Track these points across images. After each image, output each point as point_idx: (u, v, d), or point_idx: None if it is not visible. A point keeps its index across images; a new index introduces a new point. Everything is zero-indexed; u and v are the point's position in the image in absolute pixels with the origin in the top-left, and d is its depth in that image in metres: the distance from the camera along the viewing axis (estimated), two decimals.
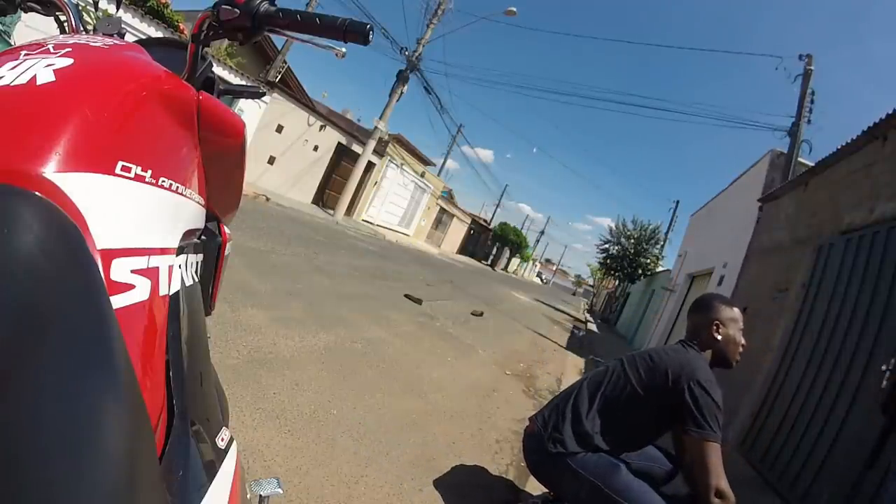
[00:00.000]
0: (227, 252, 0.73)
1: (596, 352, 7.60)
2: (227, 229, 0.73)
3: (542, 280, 62.22)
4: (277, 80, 10.84)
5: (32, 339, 0.27)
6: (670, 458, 1.69)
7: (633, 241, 19.12)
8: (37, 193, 0.33)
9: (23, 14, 0.77)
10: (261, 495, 0.69)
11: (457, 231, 26.08)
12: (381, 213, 16.49)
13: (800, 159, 6.42)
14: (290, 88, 12.31)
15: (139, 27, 7.14)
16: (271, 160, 11.19)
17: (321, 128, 12.28)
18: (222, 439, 0.54)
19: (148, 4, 7.37)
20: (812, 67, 7.68)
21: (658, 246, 19.24)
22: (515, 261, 39.50)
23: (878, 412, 2.09)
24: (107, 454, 0.28)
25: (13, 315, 0.26)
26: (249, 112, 9.80)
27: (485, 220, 33.12)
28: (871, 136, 3.33)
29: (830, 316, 2.96)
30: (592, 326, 14.14)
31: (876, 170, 3.19)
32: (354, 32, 0.57)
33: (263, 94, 0.89)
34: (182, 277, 0.52)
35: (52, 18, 0.71)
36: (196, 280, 0.59)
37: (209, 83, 0.66)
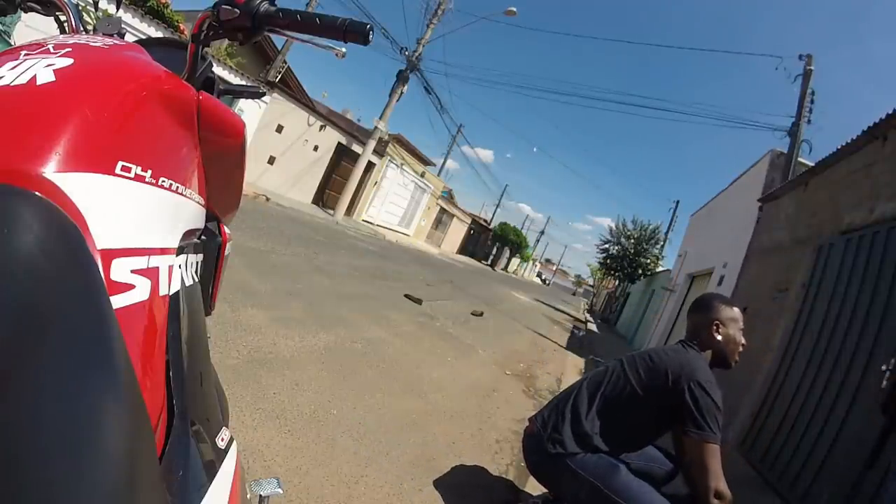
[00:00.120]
0: (227, 252, 0.73)
1: (596, 352, 7.60)
2: (227, 229, 0.73)
3: (542, 280, 62.00)
4: (277, 80, 10.84)
5: (32, 339, 0.27)
6: (670, 458, 1.69)
7: (633, 241, 19.12)
8: (37, 193, 0.33)
9: (23, 14, 0.77)
10: (261, 495, 0.69)
11: (457, 231, 26.08)
12: (381, 213, 16.49)
13: (800, 159, 6.42)
14: (290, 88, 12.31)
15: (139, 27, 7.14)
16: (271, 160, 11.19)
17: (321, 128, 12.29)
18: (222, 439, 0.54)
19: (148, 4, 7.37)
20: (812, 67, 7.68)
21: (658, 246, 19.24)
22: (515, 261, 39.50)
23: (878, 412, 2.09)
24: (107, 454, 0.28)
25: (13, 315, 0.26)
26: (249, 112, 9.80)
27: (485, 220, 33.12)
28: (871, 136, 3.33)
29: (830, 316, 2.96)
30: (592, 326, 14.14)
31: (876, 170, 3.19)
32: (354, 32, 0.57)
33: (263, 94, 0.89)
34: (182, 277, 0.52)
35: (52, 18, 0.71)
36: (196, 280, 0.59)
37: (209, 83, 0.66)
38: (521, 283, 27.60)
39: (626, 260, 18.80)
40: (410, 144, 17.55)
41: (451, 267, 15.03)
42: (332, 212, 12.51)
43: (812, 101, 7.53)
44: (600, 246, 20.68)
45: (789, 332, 3.44)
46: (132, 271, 0.40)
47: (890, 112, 3.10)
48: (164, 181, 0.46)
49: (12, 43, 2.26)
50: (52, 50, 0.43)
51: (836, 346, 2.72)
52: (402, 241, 15.82)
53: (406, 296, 5.48)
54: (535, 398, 3.61)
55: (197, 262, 0.60)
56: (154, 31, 7.32)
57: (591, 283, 46.16)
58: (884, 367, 2.21)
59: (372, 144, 12.43)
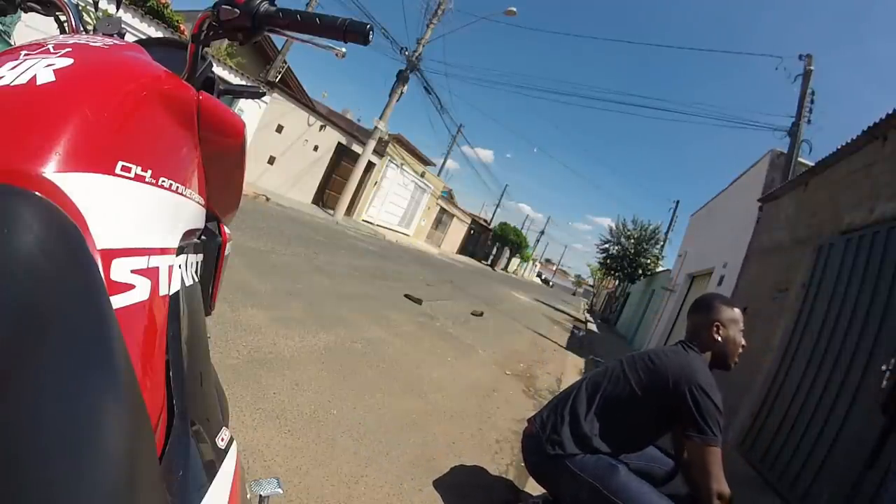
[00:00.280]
0: (227, 252, 0.73)
1: (596, 352, 7.60)
2: (227, 229, 0.73)
3: (542, 280, 61.65)
4: (277, 80, 10.84)
5: (32, 339, 0.27)
6: (670, 458, 1.69)
7: (633, 241, 19.12)
8: (37, 193, 0.33)
9: (23, 14, 0.77)
10: (261, 495, 0.69)
11: (457, 231, 26.08)
12: (381, 213, 16.49)
13: (800, 159, 6.42)
14: (290, 88, 12.31)
15: (139, 27, 7.14)
16: (271, 160, 11.19)
17: (321, 128, 12.29)
18: (222, 439, 0.54)
19: (148, 4, 7.37)
20: (812, 67, 7.68)
21: (658, 246, 19.24)
22: (515, 261, 39.50)
23: (878, 412, 2.09)
24: (107, 454, 0.28)
25: (13, 315, 0.26)
26: (249, 112, 9.80)
27: (485, 220, 33.12)
28: (871, 136, 3.33)
29: (830, 316, 2.95)
30: (592, 326, 14.14)
31: (876, 170, 3.19)
32: (354, 32, 0.57)
33: (263, 94, 0.89)
34: (182, 277, 0.52)
35: (52, 18, 0.71)
36: (196, 280, 0.59)
37: (209, 83, 0.66)
38: (521, 283, 27.60)
39: (626, 260, 18.80)
40: (410, 144, 17.55)
41: (451, 267, 15.03)
42: (332, 212, 12.51)
43: (812, 101, 7.53)
44: (600, 246, 20.69)
45: (789, 332, 3.44)
46: (132, 271, 0.40)
47: (890, 112, 3.10)
48: (164, 181, 0.46)
49: (12, 43, 2.26)
50: (52, 50, 0.43)
51: (836, 346, 2.72)
52: (402, 241, 15.82)
53: (406, 296, 5.48)
54: (535, 398, 3.61)
55: (197, 262, 0.60)
56: (154, 31, 7.32)
57: (591, 283, 46.15)
58: (884, 367, 2.21)
59: (372, 144, 12.43)
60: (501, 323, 7.07)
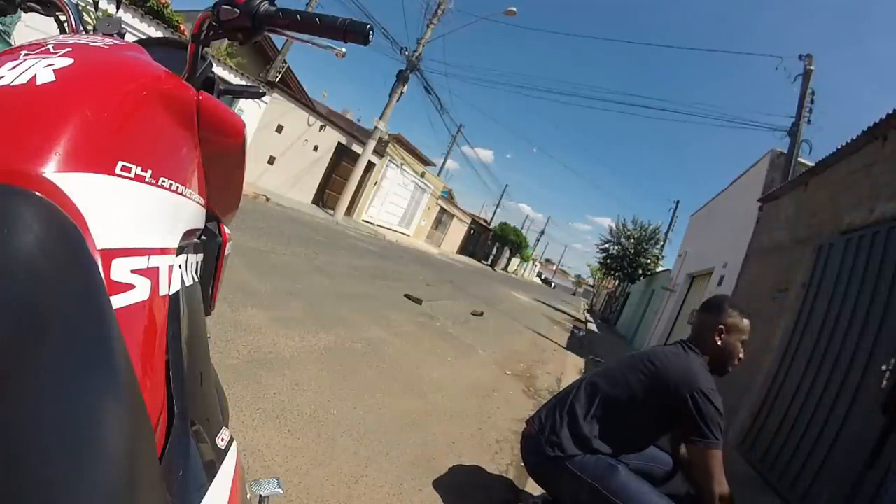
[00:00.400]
0: (227, 252, 0.73)
1: (596, 352, 7.60)
2: (227, 229, 0.73)
3: (543, 280, 61.33)
4: (277, 80, 10.84)
5: (32, 339, 0.27)
6: (668, 455, 1.69)
7: (633, 241, 19.12)
8: (37, 193, 0.33)
9: (23, 14, 0.77)
10: (261, 495, 0.69)
11: (457, 231, 26.07)
12: (381, 213, 16.49)
13: (800, 159, 6.42)
14: (290, 88, 12.31)
15: (139, 27, 7.14)
16: (271, 160, 11.19)
17: (321, 128, 12.29)
18: (222, 439, 0.54)
19: (148, 4, 7.37)
20: (812, 67, 7.68)
21: (658, 246, 19.24)
22: (515, 261, 39.50)
23: (878, 412, 2.09)
24: (107, 454, 0.28)
25: (13, 315, 0.26)
26: (249, 112, 9.80)
27: (485, 220, 33.12)
28: (871, 136, 3.33)
29: (830, 316, 2.95)
30: (592, 326, 14.14)
31: (876, 170, 3.19)
32: (354, 32, 0.57)
33: (263, 94, 0.89)
34: (182, 277, 0.52)
35: (52, 18, 0.71)
36: (196, 280, 0.59)
37: (209, 83, 0.66)
38: (521, 284, 27.60)
39: (626, 260, 18.80)
40: (410, 144, 17.55)
41: (451, 267, 15.03)
42: (332, 212, 12.51)
43: (812, 101, 7.53)
44: (600, 246, 20.70)
45: (789, 332, 3.44)
46: (132, 271, 0.40)
47: (890, 112, 3.10)
48: (164, 181, 0.46)
49: (12, 43, 2.26)
50: (52, 50, 0.43)
51: (836, 346, 2.72)
52: (402, 241, 15.82)
53: (406, 296, 5.48)
54: (535, 398, 3.61)
55: (197, 262, 0.60)
56: (154, 31, 7.32)
57: (591, 283, 46.15)
58: (884, 367, 2.21)
59: (372, 144, 12.43)
60: (501, 323, 7.07)
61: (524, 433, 1.68)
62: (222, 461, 0.51)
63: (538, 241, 52.38)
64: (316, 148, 12.41)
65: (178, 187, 0.49)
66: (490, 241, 32.53)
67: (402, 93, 12.61)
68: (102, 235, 0.37)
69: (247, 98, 0.86)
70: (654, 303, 11.90)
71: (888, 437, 2.01)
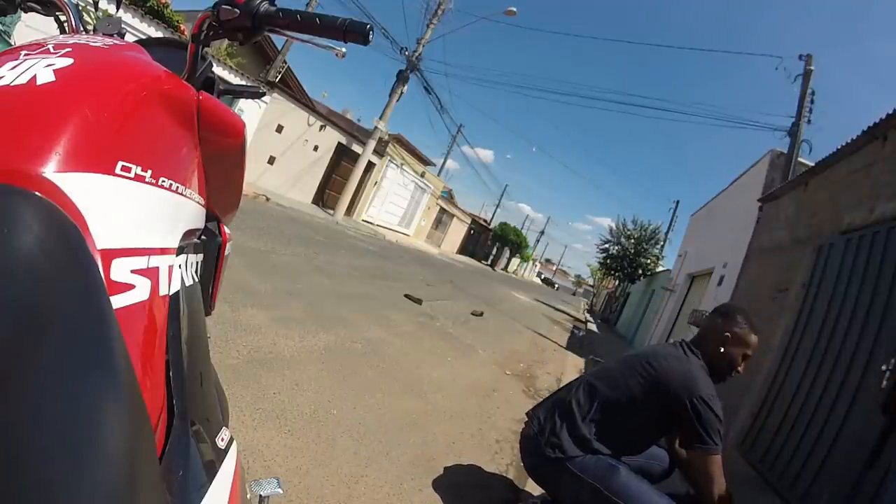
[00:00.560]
0: (227, 252, 0.73)
1: (596, 352, 7.60)
2: (227, 229, 0.73)
3: (544, 281, 60.97)
4: (277, 80, 10.84)
5: (32, 339, 0.27)
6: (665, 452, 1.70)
7: (633, 241, 19.12)
8: (37, 193, 0.33)
9: (23, 14, 0.77)
10: (261, 495, 0.69)
11: (457, 231, 26.07)
12: (381, 213, 16.49)
13: (800, 159, 6.42)
14: (290, 88, 12.31)
15: (139, 27, 7.14)
16: (271, 160, 11.19)
17: (321, 128, 12.28)
18: (222, 439, 0.54)
19: (148, 4, 7.37)
20: (812, 67, 7.68)
21: (658, 246, 19.24)
22: (515, 261, 39.50)
23: (878, 412, 2.08)
24: (107, 454, 0.28)
25: (13, 315, 0.26)
26: (249, 112, 9.80)
27: (485, 220, 33.12)
28: (871, 136, 3.33)
29: (830, 316, 2.95)
30: (592, 326, 14.14)
31: (876, 170, 3.19)
32: (354, 32, 0.57)
33: (263, 94, 0.89)
34: (182, 277, 0.52)
35: (52, 18, 0.71)
36: (196, 280, 0.59)
37: (209, 83, 0.66)
38: (521, 284, 27.60)
39: (626, 260, 18.80)
40: (410, 144, 17.55)
41: (451, 267, 15.03)
42: (332, 212, 12.51)
43: (812, 101, 7.53)
44: (600, 246, 20.70)
45: (789, 332, 3.44)
46: (132, 271, 0.40)
47: (890, 112, 3.10)
48: (164, 181, 0.46)
49: (12, 43, 2.26)
50: (52, 50, 0.43)
51: (836, 346, 2.72)
52: (402, 241, 15.82)
53: (406, 296, 5.48)
54: (535, 398, 3.61)
55: (197, 262, 0.60)
56: (154, 31, 7.32)
57: (591, 283, 46.15)
58: (884, 367, 2.20)
59: (372, 144, 12.43)
60: (501, 323, 7.07)
61: (523, 433, 1.68)
62: (222, 461, 0.51)
63: (538, 241, 52.42)
64: (316, 148, 12.41)
65: (178, 187, 0.49)
66: (490, 241, 32.53)
67: (402, 93, 12.61)
68: (102, 235, 0.37)
69: (247, 98, 0.86)
70: (654, 303, 11.90)
71: (888, 437, 2.01)
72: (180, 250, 0.51)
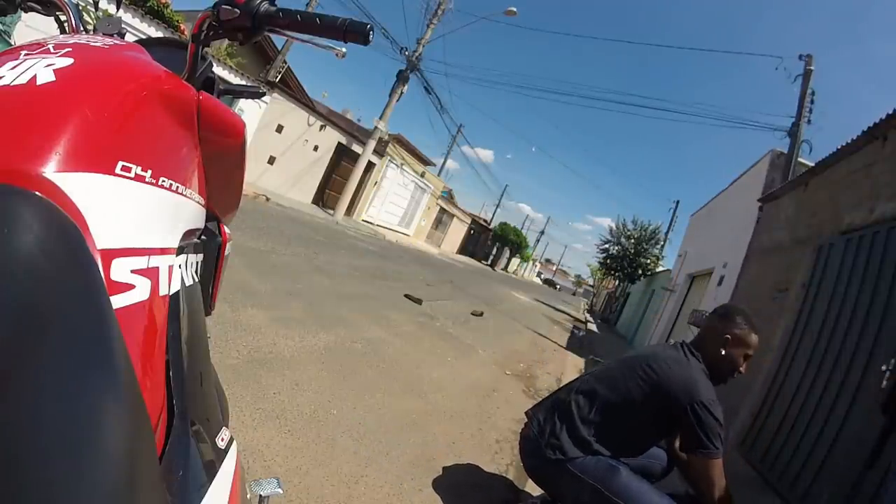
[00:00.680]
0: (227, 252, 0.73)
1: (596, 352, 7.60)
2: (227, 229, 0.73)
3: (545, 281, 60.67)
4: (277, 80, 10.84)
5: (32, 339, 0.27)
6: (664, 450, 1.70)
7: (633, 241, 19.12)
8: (37, 193, 0.33)
9: (23, 14, 0.77)
10: (261, 495, 0.69)
11: (457, 231, 26.07)
12: (381, 213, 16.49)
13: (800, 159, 6.42)
14: (290, 88, 12.31)
15: (139, 27, 7.14)
16: (271, 160, 11.19)
17: (321, 128, 12.28)
18: (222, 439, 0.54)
19: (148, 4, 7.37)
20: (812, 67, 7.68)
21: (658, 246, 19.24)
22: (515, 261, 39.50)
23: (878, 412, 2.08)
24: (107, 454, 0.28)
25: (13, 315, 0.26)
26: (249, 112, 9.80)
27: (485, 220, 33.12)
28: (871, 136, 3.33)
29: (830, 316, 2.95)
30: (592, 326, 14.14)
31: (876, 170, 3.19)
32: (354, 32, 0.57)
33: (263, 94, 0.89)
34: (182, 277, 0.52)
35: (52, 18, 0.71)
36: (196, 280, 0.59)
37: (209, 83, 0.66)
38: (521, 284, 27.60)
39: (626, 260, 18.80)
40: (410, 144, 17.55)
41: (451, 267, 15.03)
42: (332, 212, 12.51)
43: (812, 101, 7.53)
44: (600, 246, 20.70)
45: (789, 332, 3.44)
46: (132, 271, 0.40)
47: (890, 112, 3.10)
48: (164, 181, 0.46)
49: (12, 43, 2.26)
50: (52, 50, 0.43)
51: (836, 346, 2.72)
52: (402, 241, 15.82)
53: (406, 296, 5.48)
54: (535, 398, 3.61)
55: (197, 262, 0.60)
56: (154, 31, 7.31)
57: (591, 284, 46.15)
58: (884, 367, 2.20)
59: (372, 144, 12.43)
60: (501, 323, 7.07)
61: (522, 434, 1.67)
62: (222, 461, 0.51)
63: (538, 241, 52.41)
64: (316, 148, 12.41)
65: (178, 187, 0.49)
66: (490, 241, 32.53)
67: (402, 93, 12.61)
68: (102, 235, 0.37)
69: (247, 98, 0.86)
70: (654, 303, 11.90)
71: (888, 437, 2.01)
72: (180, 250, 0.51)
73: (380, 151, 14.30)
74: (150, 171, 0.43)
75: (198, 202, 0.57)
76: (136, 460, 0.31)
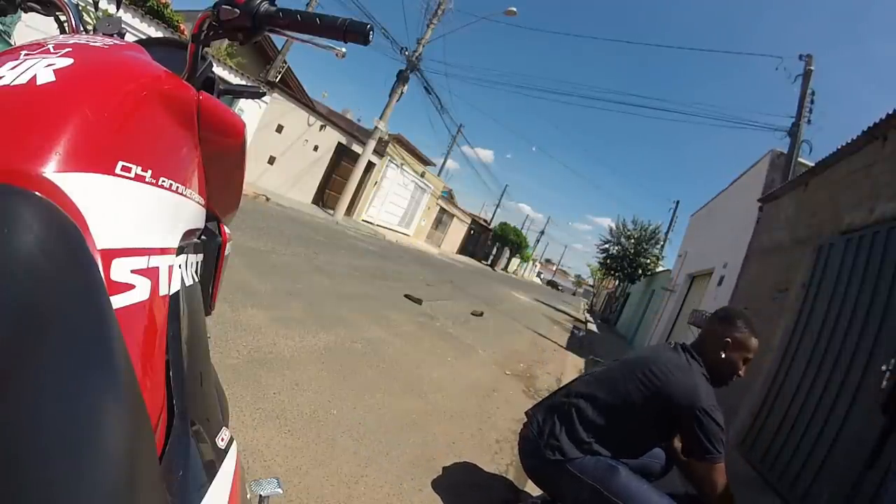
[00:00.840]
0: (227, 252, 0.73)
1: (596, 352, 7.60)
2: (227, 229, 0.73)
3: (547, 282, 60.27)
4: (277, 80, 10.84)
5: (32, 339, 0.27)
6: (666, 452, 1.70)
7: (633, 241, 19.12)
8: (37, 193, 0.33)
9: (23, 14, 0.77)
10: (261, 495, 0.69)
11: (457, 231, 26.07)
12: (381, 213, 16.49)
13: (800, 159, 6.42)
14: (290, 88, 12.31)
15: (139, 27, 7.14)
16: (271, 160, 11.19)
17: (321, 128, 12.29)
18: (222, 439, 0.54)
19: (148, 4, 7.37)
20: (812, 67, 7.68)
21: (658, 246, 19.24)
22: (515, 261, 39.50)
23: (878, 412, 2.08)
24: (107, 454, 0.28)
25: (13, 315, 0.26)
26: (249, 112, 9.80)
27: (485, 220, 33.12)
28: (871, 136, 3.33)
29: (830, 316, 2.95)
30: (592, 326, 14.14)
31: (876, 170, 3.19)
32: (354, 32, 0.57)
33: (263, 94, 0.89)
34: (182, 277, 0.52)
35: (52, 18, 0.71)
36: (196, 280, 0.59)
37: (209, 83, 0.66)
38: (521, 284, 27.61)
39: (626, 260, 18.80)
40: (410, 144, 17.54)
41: (451, 267, 15.03)
42: (332, 212, 12.51)
43: (812, 102, 7.53)
44: (600, 246, 20.70)
45: (789, 332, 3.44)
46: (132, 271, 0.40)
47: (890, 112, 3.10)
48: (164, 181, 0.46)
49: (12, 43, 2.26)
50: (52, 50, 0.43)
51: (836, 346, 2.72)
52: (402, 241, 15.82)
53: (406, 296, 5.48)
54: (535, 398, 3.60)
55: (197, 262, 0.60)
56: (154, 31, 7.32)
57: (591, 284, 46.15)
58: (884, 367, 2.20)
59: (372, 144, 12.43)
60: (501, 323, 7.07)
61: (522, 434, 1.67)
62: (222, 461, 0.51)
63: (538, 241, 52.40)
64: (316, 148, 12.41)
65: (178, 187, 0.49)
66: (490, 241, 32.53)
67: (402, 93, 12.61)
68: (102, 235, 0.37)
69: (247, 98, 0.86)
70: (654, 303, 11.90)
71: (888, 437, 2.01)
72: (180, 250, 0.51)
73: (380, 151, 14.30)
74: (150, 171, 0.43)
75: (198, 202, 0.57)
76: (136, 460, 0.31)
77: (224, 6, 0.54)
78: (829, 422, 2.46)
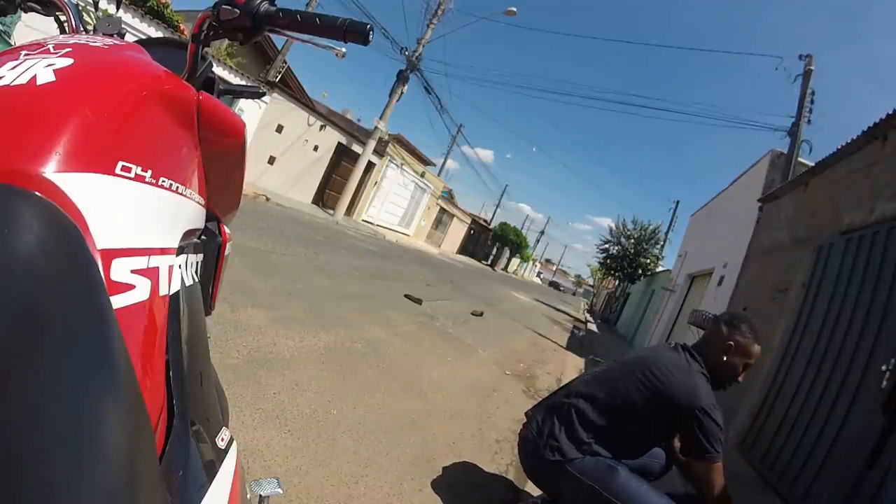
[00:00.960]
0: (227, 252, 0.73)
1: (596, 352, 7.60)
2: (227, 229, 0.73)
3: (547, 283, 59.77)
4: (277, 80, 10.83)
5: (32, 339, 0.27)
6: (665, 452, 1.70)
7: (633, 241, 19.12)
8: (37, 193, 0.33)
9: (23, 14, 0.77)
10: (261, 495, 0.69)
11: (457, 231, 26.07)
12: (381, 213, 16.49)
13: (800, 159, 6.42)
14: (290, 88, 12.30)
15: (139, 27, 7.14)
16: (271, 160, 11.19)
17: (321, 128, 12.28)
18: (222, 439, 0.54)
19: (148, 4, 7.37)
20: (812, 67, 7.68)
21: (658, 246, 19.24)
22: (515, 261, 39.49)
23: (878, 412, 2.08)
24: (107, 454, 0.28)
25: (13, 315, 0.26)
26: (249, 112, 9.80)
27: (485, 220, 33.11)
28: (871, 136, 3.33)
29: (830, 316, 2.95)
30: (592, 326, 14.14)
31: (876, 170, 3.19)
32: (354, 32, 0.58)
33: (263, 94, 0.89)
34: (182, 277, 0.52)
35: (52, 18, 0.71)
36: (196, 280, 0.59)
37: (209, 83, 0.66)
38: (522, 284, 27.61)
39: (626, 260, 18.80)
40: (410, 144, 17.54)
41: (451, 267, 15.03)
42: (332, 212, 12.51)
43: (812, 101, 7.52)
44: (600, 246, 20.69)
45: (789, 332, 3.44)
46: (132, 271, 0.40)
47: (890, 112, 3.10)
48: (164, 181, 0.46)
49: (12, 43, 2.26)
50: (52, 50, 0.43)
51: (836, 346, 2.72)
52: (402, 241, 15.82)
53: (406, 296, 5.48)
54: (535, 398, 3.60)
55: (197, 262, 0.60)
56: (154, 31, 7.32)
57: (591, 284, 46.14)
58: (884, 367, 2.20)
59: (372, 144, 12.43)
60: (501, 323, 7.07)
61: (521, 435, 1.67)
62: (222, 461, 0.51)
63: (538, 241, 52.39)
64: (316, 148, 12.41)
65: (178, 187, 0.49)
66: (490, 241, 32.53)
67: (402, 93, 12.61)
68: (102, 235, 0.37)
69: (247, 98, 0.86)
70: (654, 303, 11.90)
71: (888, 437, 2.01)
72: (180, 250, 0.51)
73: (380, 151, 14.30)
74: (150, 171, 0.43)
75: (198, 202, 0.57)
76: (136, 460, 0.31)
77: (224, 6, 0.54)
78: (829, 422, 2.46)
